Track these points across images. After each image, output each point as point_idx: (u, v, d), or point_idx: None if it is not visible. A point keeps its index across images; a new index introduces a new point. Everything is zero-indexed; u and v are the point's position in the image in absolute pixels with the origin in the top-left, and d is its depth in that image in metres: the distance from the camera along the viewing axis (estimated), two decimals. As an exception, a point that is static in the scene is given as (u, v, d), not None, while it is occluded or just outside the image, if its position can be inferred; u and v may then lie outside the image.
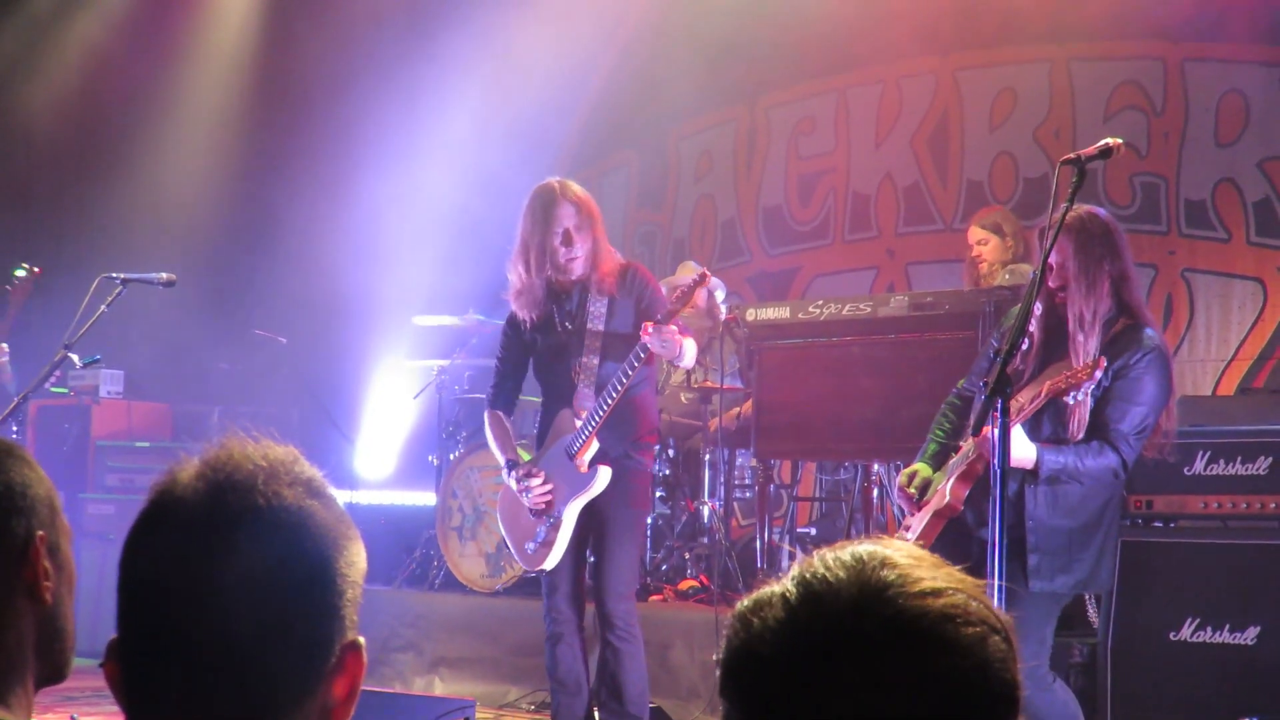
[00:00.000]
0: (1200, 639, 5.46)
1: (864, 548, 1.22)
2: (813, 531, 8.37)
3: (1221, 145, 8.37)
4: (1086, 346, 4.52)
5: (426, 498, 8.92)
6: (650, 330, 5.19)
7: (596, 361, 5.56)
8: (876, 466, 7.33)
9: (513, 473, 5.64)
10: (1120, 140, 4.01)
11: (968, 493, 4.69)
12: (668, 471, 8.08)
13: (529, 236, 5.55)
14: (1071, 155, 3.98)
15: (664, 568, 7.92)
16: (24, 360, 8.26)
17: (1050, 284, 4.59)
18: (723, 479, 7.98)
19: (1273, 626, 5.39)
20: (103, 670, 1.44)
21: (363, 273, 10.14)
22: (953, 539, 4.73)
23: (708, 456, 8.07)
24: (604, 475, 5.49)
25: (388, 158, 10.13)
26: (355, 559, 1.48)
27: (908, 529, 4.86)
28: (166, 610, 1.40)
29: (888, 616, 1.15)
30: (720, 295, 8.41)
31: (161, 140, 10.80)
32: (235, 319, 10.07)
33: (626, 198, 10.95)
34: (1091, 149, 4.00)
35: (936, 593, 1.17)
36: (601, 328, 5.56)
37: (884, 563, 1.18)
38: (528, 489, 5.57)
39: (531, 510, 5.61)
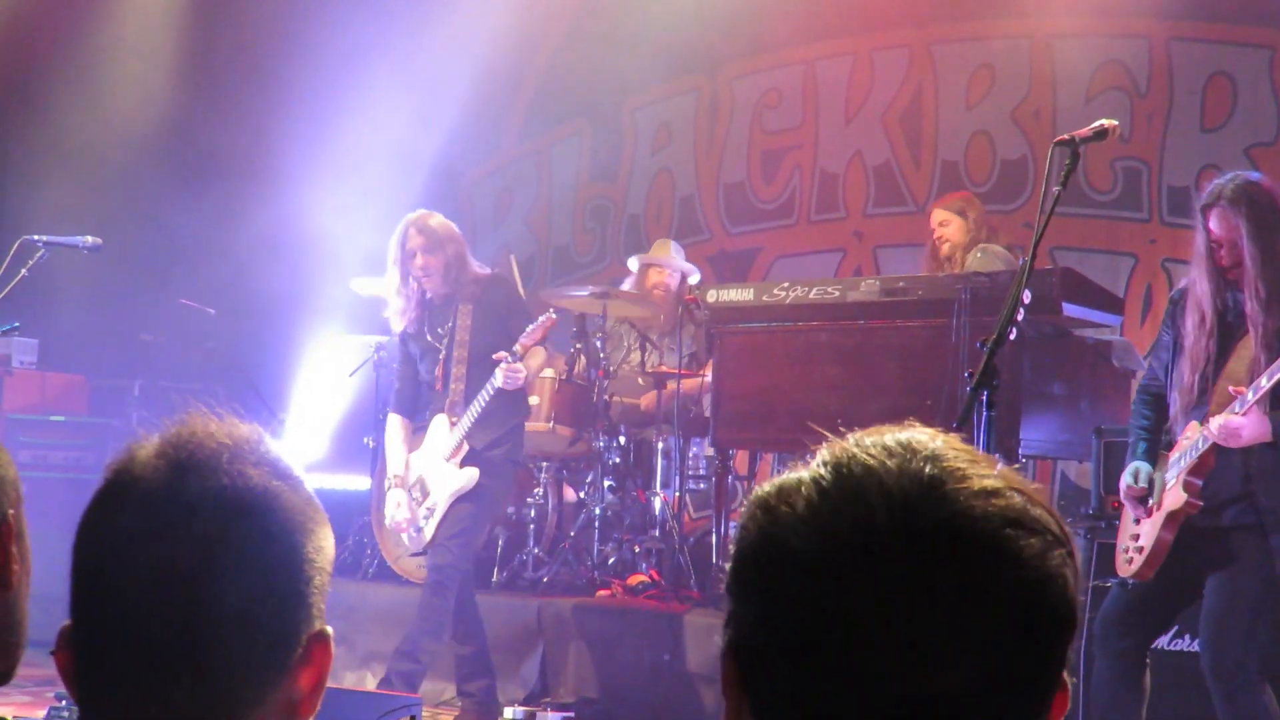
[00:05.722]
0: (1178, 648, 5.51)
1: (905, 433, 1.16)
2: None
3: (1207, 130, 8.42)
4: (1266, 323, 4.62)
5: (361, 482, 8.86)
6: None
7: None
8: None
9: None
10: (1115, 122, 4.04)
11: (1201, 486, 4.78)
12: (618, 460, 8.05)
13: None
14: (1065, 136, 4.01)
15: (612, 561, 7.91)
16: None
17: (1222, 262, 4.68)
18: (676, 469, 7.97)
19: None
20: (54, 659, 1.42)
21: (298, 240, 10.05)
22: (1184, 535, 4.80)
23: (660, 445, 8.06)
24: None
25: (329, 116, 10.05)
26: (323, 544, 1.47)
27: (1136, 538, 4.86)
28: (123, 596, 1.39)
29: (943, 517, 1.08)
30: (695, 280, 8.44)
31: (85, 91, 10.63)
32: (160, 287, 9.96)
33: (578, 170, 10.91)
34: (1086, 130, 4.03)
35: (996, 493, 1.10)
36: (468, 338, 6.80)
37: (935, 455, 1.12)
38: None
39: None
